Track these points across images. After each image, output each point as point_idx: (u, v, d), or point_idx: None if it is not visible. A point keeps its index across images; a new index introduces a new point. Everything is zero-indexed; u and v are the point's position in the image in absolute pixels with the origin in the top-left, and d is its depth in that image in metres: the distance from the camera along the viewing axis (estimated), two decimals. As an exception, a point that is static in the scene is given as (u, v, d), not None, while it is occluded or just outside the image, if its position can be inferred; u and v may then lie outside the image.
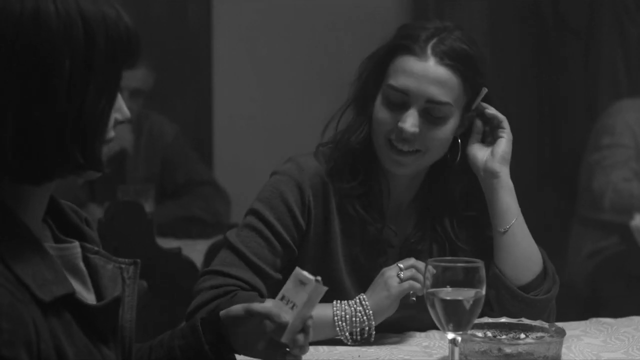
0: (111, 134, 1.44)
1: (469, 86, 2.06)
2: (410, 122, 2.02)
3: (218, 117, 4.59)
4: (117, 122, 1.45)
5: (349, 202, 2.10)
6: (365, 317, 2.00)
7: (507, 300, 2.07)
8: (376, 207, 2.12)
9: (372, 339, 2.00)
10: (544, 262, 2.14)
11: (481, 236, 2.16)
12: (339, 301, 2.01)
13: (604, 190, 4.02)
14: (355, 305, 2.00)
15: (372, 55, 2.12)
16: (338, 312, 2.00)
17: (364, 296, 2.02)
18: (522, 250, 2.10)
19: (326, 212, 2.11)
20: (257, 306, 1.65)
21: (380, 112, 2.06)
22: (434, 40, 2.03)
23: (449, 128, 2.06)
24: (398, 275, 2.00)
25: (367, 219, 2.10)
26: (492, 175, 2.09)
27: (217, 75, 4.58)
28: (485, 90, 2.10)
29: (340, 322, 2.00)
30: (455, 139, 2.11)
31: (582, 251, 4.12)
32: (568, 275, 4.07)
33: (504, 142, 2.11)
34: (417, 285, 1.98)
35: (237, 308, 1.67)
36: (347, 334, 2.00)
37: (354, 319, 2.00)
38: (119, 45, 1.41)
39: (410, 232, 2.16)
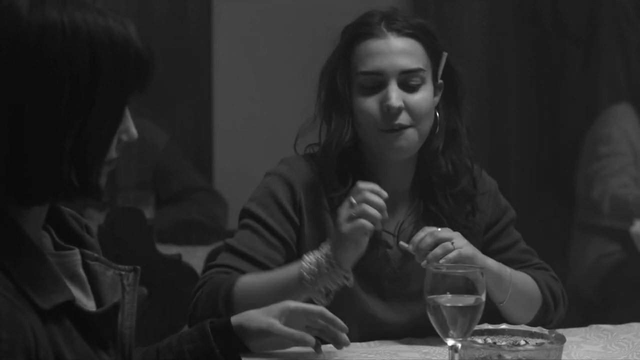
0: (113, 154, 1.42)
1: (431, 53, 2.11)
2: (394, 96, 2.05)
3: (218, 120, 4.58)
4: (123, 143, 1.43)
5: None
6: (339, 275, 1.97)
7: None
8: None
9: (350, 284, 2.00)
10: (542, 291, 2.14)
11: (477, 212, 2.17)
12: (306, 260, 1.99)
13: (602, 198, 4.03)
14: (325, 269, 1.97)
15: (328, 62, 2.17)
16: (306, 274, 1.98)
17: (330, 253, 1.97)
18: (520, 305, 2.11)
19: (319, 210, 2.12)
20: (277, 329, 1.66)
21: (362, 102, 2.08)
22: (386, 20, 2.10)
23: (427, 94, 2.09)
24: (352, 216, 1.96)
25: None
26: (470, 261, 2.04)
27: (217, 78, 4.57)
28: (446, 55, 2.14)
29: (313, 287, 1.97)
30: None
31: (584, 258, 4.12)
32: (570, 281, 4.07)
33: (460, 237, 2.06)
34: (369, 225, 1.94)
35: (254, 327, 1.67)
36: (321, 300, 1.98)
37: (328, 280, 1.97)
38: (126, 70, 1.37)
39: (404, 219, 2.16)
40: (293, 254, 2.11)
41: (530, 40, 4.78)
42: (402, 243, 2.04)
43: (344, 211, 1.97)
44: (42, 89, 1.33)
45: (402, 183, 2.17)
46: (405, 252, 2.06)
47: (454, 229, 2.10)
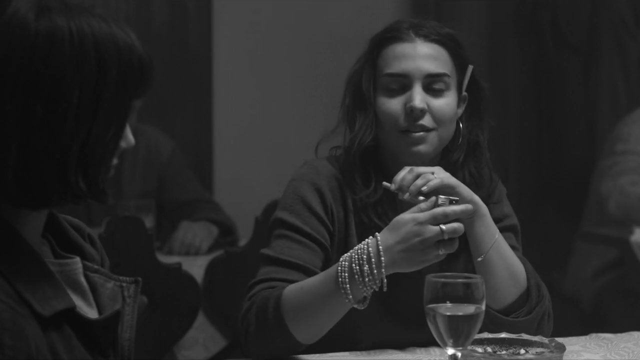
0: (115, 161, 1.44)
1: (457, 62, 2.13)
2: (418, 98, 2.07)
3: (218, 129, 4.58)
4: (121, 149, 1.44)
5: (364, 212, 2.11)
6: (373, 283, 1.87)
7: (488, 322, 2.00)
8: (390, 212, 2.13)
9: (385, 288, 1.88)
10: (528, 281, 2.10)
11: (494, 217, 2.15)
12: (342, 264, 1.90)
13: (610, 193, 4.02)
14: (360, 277, 1.87)
15: (355, 66, 2.17)
16: (341, 280, 1.88)
17: (372, 264, 1.86)
18: (500, 275, 2.06)
19: (345, 212, 2.12)
20: None
21: (385, 103, 2.10)
22: (414, 27, 2.12)
23: (451, 101, 2.11)
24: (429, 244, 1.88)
25: (382, 227, 2.10)
26: (452, 190, 2.01)
27: (218, 87, 4.57)
28: (471, 68, 2.15)
29: (342, 273, 1.89)
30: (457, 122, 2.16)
31: (584, 267, 4.12)
32: (570, 291, 4.06)
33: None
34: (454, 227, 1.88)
35: None
36: (356, 305, 1.89)
37: (362, 287, 1.87)
38: (130, 76, 1.39)
39: None
40: (330, 258, 2.10)
41: (529, 49, 4.78)
42: (385, 183, 2.02)
43: (424, 232, 1.87)
44: (52, 95, 1.34)
45: None
46: (388, 193, 2.05)
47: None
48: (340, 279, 1.88)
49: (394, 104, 2.09)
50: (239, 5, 4.56)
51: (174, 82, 4.44)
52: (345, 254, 1.91)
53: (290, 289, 1.96)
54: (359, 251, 1.89)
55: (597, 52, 4.75)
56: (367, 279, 1.87)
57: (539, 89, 4.81)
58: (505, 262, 2.07)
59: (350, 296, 1.88)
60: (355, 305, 1.90)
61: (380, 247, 1.88)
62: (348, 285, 1.88)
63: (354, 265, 1.88)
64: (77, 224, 1.57)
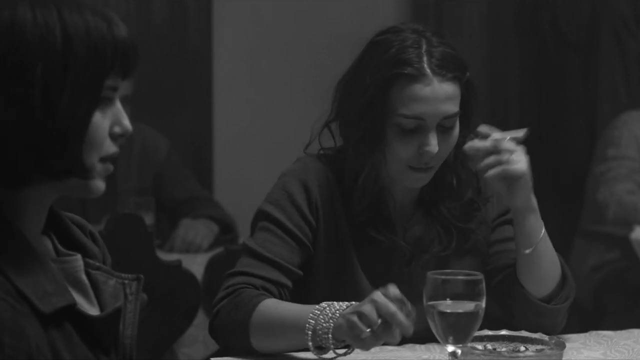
0: (112, 148, 1.42)
1: (464, 90, 2.12)
2: (433, 143, 2.05)
3: (218, 130, 4.58)
4: (118, 136, 1.42)
5: (360, 226, 2.13)
6: (329, 343, 1.87)
7: (529, 312, 2.10)
8: (386, 224, 2.14)
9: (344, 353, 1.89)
10: (562, 268, 2.15)
11: (485, 221, 2.20)
12: (315, 311, 1.90)
13: (608, 202, 4.03)
14: (323, 330, 1.86)
15: (361, 85, 2.10)
16: (308, 326, 1.89)
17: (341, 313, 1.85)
18: (545, 266, 2.11)
19: (334, 210, 2.13)
20: None
21: (398, 143, 2.08)
22: (426, 57, 2.06)
23: (457, 131, 2.11)
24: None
25: (379, 239, 2.13)
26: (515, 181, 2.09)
27: (218, 88, 4.58)
28: (468, 74, 2.13)
29: (313, 317, 1.88)
30: None
31: (584, 265, 4.12)
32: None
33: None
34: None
35: None
36: (310, 343, 1.89)
37: (322, 339, 1.88)
38: (103, 53, 1.37)
39: (410, 218, 2.18)
40: (310, 256, 2.12)
41: (529, 49, 4.78)
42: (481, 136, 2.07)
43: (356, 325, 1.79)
44: (16, 74, 1.33)
45: (411, 195, 2.19)
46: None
47: (457, 229, 2.15)
48: (307, 325, 1.88)
49: (406, 144, 2.07)
50: (239, 5, 4.56)
51: (174, 81, 4.44)
52: (327, 303, 1.89)
53: (267, 305, 1.98)
54: (333, 306, 1.87)
55: (597, 52, 4.74)
56: (324, 336, 1.86)
57: (539, 89, 4.81)
58: (549, 253, 2.12)
59: (310, 343, 1.88)
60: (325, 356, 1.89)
61: (338, 312, 1.85)
62: (311, 332, 1.87)
63: (322, 316, 1.86)
64: (78, 221, 1.57)
